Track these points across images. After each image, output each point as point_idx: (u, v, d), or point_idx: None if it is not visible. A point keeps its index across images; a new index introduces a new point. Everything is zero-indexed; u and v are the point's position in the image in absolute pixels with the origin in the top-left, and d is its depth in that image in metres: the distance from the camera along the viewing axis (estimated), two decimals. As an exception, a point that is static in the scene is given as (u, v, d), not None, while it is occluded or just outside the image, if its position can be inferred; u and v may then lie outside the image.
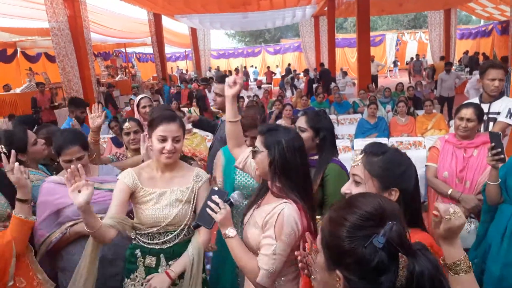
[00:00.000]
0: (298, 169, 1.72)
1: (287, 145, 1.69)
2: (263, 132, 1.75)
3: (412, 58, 20.22)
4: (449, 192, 2.71)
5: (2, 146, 2.31)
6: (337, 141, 5.67)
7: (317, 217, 2.17)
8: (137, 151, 2.90)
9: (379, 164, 1.42)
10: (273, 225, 1.60)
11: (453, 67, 14.90)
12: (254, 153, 1.74)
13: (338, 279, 0.93)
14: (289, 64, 24.01)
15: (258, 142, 1.75)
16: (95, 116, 2.87)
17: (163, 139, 1.92)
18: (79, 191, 1.69)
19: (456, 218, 1.15)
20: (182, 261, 1.95)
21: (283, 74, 20.40)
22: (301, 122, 2.29)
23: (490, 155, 2.26)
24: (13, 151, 1.94)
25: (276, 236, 1.58)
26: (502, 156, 2.22)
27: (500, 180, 2.32)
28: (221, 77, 3.06)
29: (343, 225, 0.93)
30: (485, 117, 3.21)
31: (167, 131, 1.92)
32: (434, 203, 2.71)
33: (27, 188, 1.88)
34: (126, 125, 3.05)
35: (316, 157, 2.27)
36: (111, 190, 2.19)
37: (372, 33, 17.47)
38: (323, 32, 17.62)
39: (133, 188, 1.96)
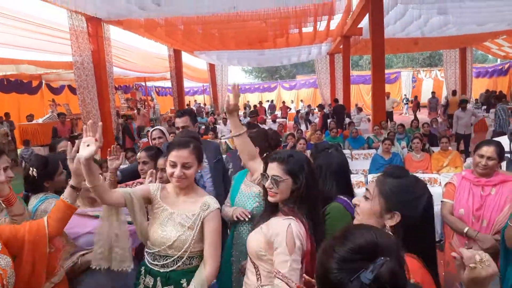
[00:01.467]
0: (318, 191, 1.79)
1: (308, 168, 1.76)
2: (283, 160, 1.76)
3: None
4: (465, 230, 2.64)
5: (35, 169, 2.39)
6: (351, 176, 5.64)
7: None
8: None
9: (390, 185, 1.40)
10: (284, 241, 1.62)
11: (470, 105, 14.84)
12: (277, 182, 1.74)
13: None
14: (301, 101, 24.32)
15: (278, 170, 1.75)
16: (114, 158, 2.90)
17: (173, 165, 1.97)
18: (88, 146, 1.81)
19: (483, 268, 1.03)
20: None
21: (298, 109, 20.64)
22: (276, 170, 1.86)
23: None
24: (77, 141, 2.04)
25: (289, 251, 1.60)
26: None
27: None
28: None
29: (333, 256, 0.90)
30: None
31: (177, 156, 1.97)
32: (450, 240, 2.63)
33: (82, 177, 1.96)
34: (138, 155, 3.17)
35: None
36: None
37: (387, 70, 17.68)
38: (338, 69, 17.87)
39: (153, 195, 2.06)
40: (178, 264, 1.99)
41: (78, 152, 1.87)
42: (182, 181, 1.98)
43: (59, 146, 3.45)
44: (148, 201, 2.08)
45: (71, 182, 2.00)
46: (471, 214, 2.69)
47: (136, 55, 15.08)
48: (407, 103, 23.07)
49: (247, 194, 2.57)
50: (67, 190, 2.00)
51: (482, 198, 2.68)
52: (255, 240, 1.77)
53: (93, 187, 1.89)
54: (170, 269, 1.99)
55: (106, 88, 9.83)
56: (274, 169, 1.77)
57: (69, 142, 2.15)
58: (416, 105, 19.83)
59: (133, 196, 2.02)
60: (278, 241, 1.63)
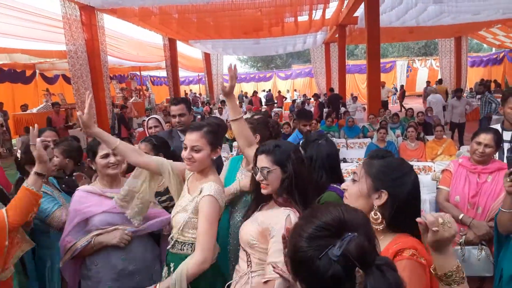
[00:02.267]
0: (308, 177, 1.80)
1: (296, 156, 1.77)
2: (270, 151, 1.78)
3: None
4: (460, 217, 2.67)
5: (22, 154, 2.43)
6: (346, 164, 5.68)
7: None
8: None
9: (376, 165, 1.41)
10: (281, 229, 1.59)
11: (464, 94, 14.91)
12: (266, 174, 1.75)
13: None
14: (295, 90, 24.22)
15: (266, 162, 1.76)
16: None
17: (185, 147, 2.00)
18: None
19: (445, 230, 1.09)
20: (167, 281, 1.89)
21: (293, 98, 20.60)
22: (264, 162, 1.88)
23: (508, 180, 2.19)
24: (36, 125, 2.15)
25: None
26: None
27: None
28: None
29: (301, 235, 0.90)
30: (508, 145, 3.16)
31: (187, 139, 2.00)
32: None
33: (46, 164, 2.03)
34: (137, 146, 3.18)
35: None
36: None
37: (382, 60, 17.67)
38: (334, 58, 17.84)
39: (185, 177, 2.16)
40: (174, 246, 2.04)
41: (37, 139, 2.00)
42: (191, 164, 1.99)
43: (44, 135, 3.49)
44: (182, 179, 2.18)
45: (35, 168, 2.01)
46: (466, 201, 2.72)
47: (131, 44, 14.97)
48: (395, 94, 22.90)
49: None
50: (31, 177, 2.00)
51: (478, 185, 2.70)
52: (248, 229, 1.78)
53: (114, 150, 2.09)
54: (169, 249, 2.06)
55: (101, 77, 9.77)
56: (262, 161, 1.78)
57: (31, 128, 2.17)
58: (402, 95, 19.72)
59: (171, 169, 2.15)
60: (276, 230, 1.64)
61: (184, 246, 2.00)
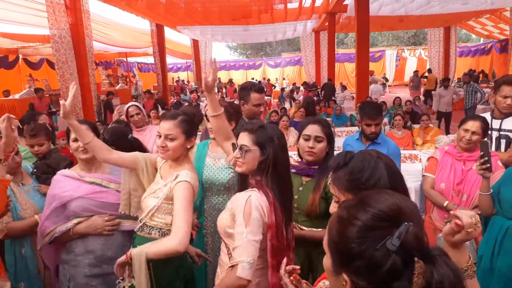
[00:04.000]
0: (287, 166, 1.76)
1: (279, 142, 1.74)
2: (253, 130, 1.75)
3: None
4: (445, 204, 2.68)
5: None
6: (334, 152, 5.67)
7: (305, 228, 2.16)
8: None
9: (344, 177, 1.30)
10: (242, 212, 1.60)
11: (452, 84, 15.02)
12: (244, 152, 1.72)
13: (344, 283, 0.85)
14: (283, 79, 24.12)
15: (247, 140, 1.74)
16: None
17: (159, 136, 1.99)
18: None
19: (476, 230, 1.06)
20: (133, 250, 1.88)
21: (282, 87, 20.49)
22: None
23: (478, 164, 2.24)
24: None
25: (245, 222, 1.58)
26: (488, 165, 2.21)
27: (492, 190, 2.31)
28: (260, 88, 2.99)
29: (354, 224, 0.84)
30: (496, 134, 3.18)
31: (161, 128, 1.98)
32: (430, 214, 2.67)
33: (1, 148, 2.08)
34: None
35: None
36: (118, 191, 2.29)
37: (371, 49, 17.66)
38: (324, 47, 17.74)
39: (158, 166, 2.16)
40: (142, 230, 2.03)
41: None
42: (165, 153, 1.98)
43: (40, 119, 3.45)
44: (155, 170, 2.18)
45: None
46: (451, 189, 2.73)
47: (117, 29, 14.67)
48: (385, 85, 22.76)
49: (217, 167, 2.56)
50: None
51: (463, 173, 2.72)
52: (222, 218, 1.75)
53: (87, 144, 2.09)
54: (138, 232, 2.05)
55: (86, 63, 9.55)
56: (243, 138, 1.75)
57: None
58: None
59: (147, 164, 2.17)
60: (237, 214, 1.62)
61: (152, 230, 1.99)
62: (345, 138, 7.37)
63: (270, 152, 1.70)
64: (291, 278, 1.29)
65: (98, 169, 2.37)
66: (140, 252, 1.80)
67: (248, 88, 3.01)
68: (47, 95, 10.95)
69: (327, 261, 0.93)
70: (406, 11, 11.91)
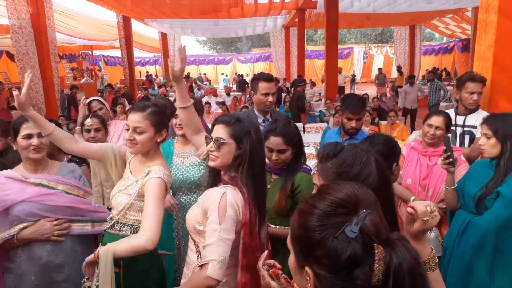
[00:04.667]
0: (262, 162, 1.71)
1: (256, 136, 1.67)
2: (229, 123, 1.68)
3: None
4: (412, 199, 2.72)
5: None
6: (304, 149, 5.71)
7: (272, 226, 2.14)
8: None
9: (332, 168, 1.27)
10: (216, 210, 1.53)
11: (417, 81, 15.47)
12: (219, 145, 1.65)
13: (308, 278, 0.83)
14: (240, 76, 24.10)
15: (223, 133, 1.66)
16: None
17: (127, 128, 1.89)
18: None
19: (433, 219, 1.07)
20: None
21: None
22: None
23: (442, 158, 2.30)
24: None
25: (219, 220, 1.52)
26: (452, 159, 2.27)
27: (456, 185, 2.37)
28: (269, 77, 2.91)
29: (313, 213, 0.84)
30: (460, 130, 3.27)
31: (130, 120, 1.89)
32: (397, 209, 2.72)
33: None
34: (88, 121, 2.96)
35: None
36: (67, 193, 2.14)
37: (340, 46, 17.90)
38: (293, 43, 17.83)
39: (126, 159, 2.08)
40: (113, 227, 1.95)
41: None
42: (133, 146, 1.89)
43: None
44: (125, 164, 2.10)
45: None
46: (417, 184, 2.78)
47: (81, 21, 14.15)
48: (354, 82, 22.93)
49: (186, 166, 2.50)
50: None
51: (428, 167, 2.77)
52: (192, 214, 1.69)
53: (47, 136, 1.98)
54: (108, 230, 1.97)
55: (48, 55, 9.16)
56: (219, 131, 1.67)
57: None
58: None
59: (117, 156, 2.08)
60: (211, 210, 1.55)
61: (123, 227, 1.91)
62: (314, 134, 7.48)
63: (246, 146, 1.63)
64: (270, 272, 1.26)
65: (45, 169, 2.20)
66: (107, 250, 1.72)
67: (257, 77, 2.94)
68: (6, 89, 10.42)
69: (290, 258, 0.92)
70: (374, 8, 12.13)
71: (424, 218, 1.06)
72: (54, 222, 2.07)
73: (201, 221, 1.62)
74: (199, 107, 2.71)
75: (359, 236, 0.78)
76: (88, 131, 2.98)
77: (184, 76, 2.07)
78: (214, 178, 1.79)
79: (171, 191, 2.46)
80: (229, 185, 1.62)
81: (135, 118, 1.88)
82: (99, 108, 3.57)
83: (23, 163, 2.19)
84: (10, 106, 9.75)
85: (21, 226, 2.05)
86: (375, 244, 0.78)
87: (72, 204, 2.15)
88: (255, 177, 1.66)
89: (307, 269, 0.83)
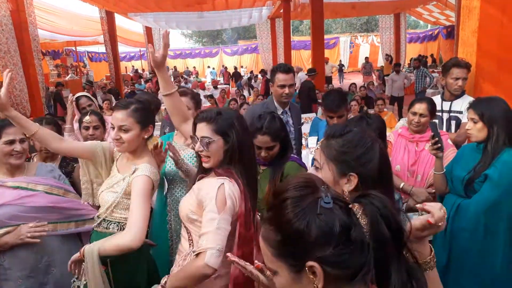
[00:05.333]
0: (251, 149, 1.70)
1: (239, 124, 1.65)
2: (211, 119, 1.64)
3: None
4: (401, 185, 2.75)
5: None
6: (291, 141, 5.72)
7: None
8: None
9: (335, 146, 1.27)
10: (214, 199, 1.53)
11: (403, 69, 15.58)
12: (207, 144, 1.62)
13: (312, 275, 0.79)
14: (241, 67, 24.07)
15: (207, 131, 1.64)
16: None
17: (113, 127, 1.87)
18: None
19: (443, 222, 1.06)
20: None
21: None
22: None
23: (430, 144, 2.33)
24: None
25: (218, 209, 1.52)
26: (440, 145, 2.30)
27: (445, 170, 2.40)
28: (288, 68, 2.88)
29: (286, 206, 0.82)
30: (446, 116, 3.30)
31: (114, 118, 1.86)
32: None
33: None
34: (87, 118, 2.92)
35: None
36: (47, 193, 2.12)
37: (326, 36, 17.87)
38: (279, 34, 17.77)
39: (114, 157, 2.06)
40: (100, 225, 1.94)
41: None
42: (120, 145, 1.87)
43: None
44: (112, 160, 2.09)
45: None
46: (406, 170, 2.81)
47: (63, 16, 13.88)
48: (342, 71, 22.89)
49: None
50: None
51: (416, 153, 2.80)
52: (186, 202, 1.68)
53: (33, 135, 1.93)
54: (95, 229, 1.96)
55: (30, 52, 8.99)
56: (202, 129, 1.64)
57: None
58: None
59: (106, 153, 2.07)
60: (208, 200, 1.54)
61: (110, 224, 1.91)
62: (304, 125, 7.49)
63: (233, 138, 1.62)
64: (255, 266, 1.26)
65: (22, 172, 2.18)
66: (92, 248, 1.71)
67: (275, 69, 2.93)
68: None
69: (280, 278, 0.86)
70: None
71: (439, 223, 1.06)
72: (31, 224, 2.02)
73: (195, 211, 1.62)
74: (198, 100, 2.69)
75: (336, 204, 0.81)
76: (87, 128, 2.95)
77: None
78: (201, 166, 1.74)
79: (166, 184, 2.45)
80: (226, 177, 1.61)
81: (119, 116, 1.85)
82: (88, 105, 3.51)
83: (1, 169, 2.14)
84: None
85: (3, 231, 2.01)
86: (351, 204, 0.82)
87: (53, 204, 2.13)
88: (247, 167, 1.66)
89: (310, 264, 0.79)
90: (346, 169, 1.24)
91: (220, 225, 1.50)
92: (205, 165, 1.67)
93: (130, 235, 1.67)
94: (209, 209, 1.53)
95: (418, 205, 1.12)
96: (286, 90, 2.86)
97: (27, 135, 1.98)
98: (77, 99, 3.58)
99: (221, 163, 1.65)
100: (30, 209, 2.06)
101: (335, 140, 1.29)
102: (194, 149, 1.74)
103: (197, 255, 1.50)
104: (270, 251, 0.86)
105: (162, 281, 1.56)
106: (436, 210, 1.07)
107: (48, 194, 2.13)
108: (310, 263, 0.79)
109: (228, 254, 1.31)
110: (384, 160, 1.27)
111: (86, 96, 3.62)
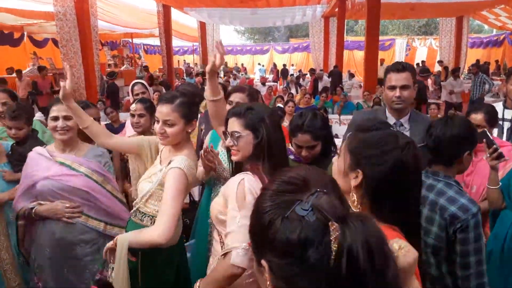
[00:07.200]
0: (282, 146, 1.67)
1: (270, 120, 1.63)
2: (241, 114, 1.63)
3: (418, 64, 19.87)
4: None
5: None
6: (337, 140, 5.55)
7: None
8: (140, 134, 2.79)
9: (357, 140, 1.25)
10: (235, 196, 1.50)
11: (462, 75, 14.75)
12: (237, 139, 1.60)
13: (263, 272, 0.76)
14: (292, 65, 23.93)
15: (237, 125, 1.62)
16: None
17: (157, 120, 1.87)
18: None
19: (404, 255, 0.98)
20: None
21: (290, 73, 20.16)
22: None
23: (488, 154, 2.12)
24: None
25: (238, 206, 1.49)
26: (500, 151, 2.09)
27: (500, 184, 2.20)
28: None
29: (265, 196, 0.78)
30: (508, 125, 3.07)
31: (159, 112, 1.86)
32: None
33: None
34: (133, 106, 2.97)
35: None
36: (87, 176, 2.18)
37: (381, 37, 17.37)
38: (333, 33, 17.45)
39: (159, 149, 2.10)
40: (135, 215, 1.95)
41: None
42: (164, 139, 1.87)
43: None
44: (157, 152, 2.15)
45: None
46: (461, 180, 2.60)
47: (123, 9, 14.46)
48: None
49: (224, 153, 2.45)
50: None
51: (473, 164, 2.58)
52: (215, 203, 1.65)
53: (84, 129, 2.09)
54: (131, 217, 1.99)
55: (90, 42, 9.44)
56: (233, 124, 1.63)
57: None
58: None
59: (152, 147, 2.18)
60: (230, 198, 1.52)
61: (144, 217, 1.90)
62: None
63: (263, 133, 1.58)
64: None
65: (72, 150, 2.27)
66: (123, 239, 1.73)
67: (387, 69, 2.39)
68: (50, 74, 10.84)
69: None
70: (418, -2, 11.64)
71: None
72: (67, 204, 2.14)
73: (223, 211, 1.59)
74: (255, 97, 2.60)
75: (311, 215, 0.70)
76: (133, 116, 2.99)
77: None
78: (237, 171, 1.74)
79: (212, 180, 2.41)
80: (248, 172, 1.57)
81: (164, 111, 1.84)
82: (141, 92, 3.50)
83: (55, 142, 2.29)
84: (53, 90, 10.15)
85: (42, 202, 2.18)
86: (330, 222, 0.69)
87: (89, 189, 2.19)
88: (276, 165, 1.57)
89: (262, 261, 0.75)
90: (357, 164, 1.21)
91: (242, 222, 1.45)
92: (233, 157, 1.66)
93: (158, 232, 1.66)
94: (231, 207, 1.51)
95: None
96: (397, 93, 2.26)
97: (80, 127, 2.12)
98: (133, 85, 3.62)
99: (249, 158, 1.62)
100: (66, 188, 2.15)
101: (360, 133, 1.28)
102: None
103: (224, 255, 1.48)
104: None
105: (196, 286, 1.54)
106: None
107: (87, 177, 2.19)
108: (262, 261, 0.76)
109: None
110: (401, 171, 1.17)
111: (141, 83, 3.64)
